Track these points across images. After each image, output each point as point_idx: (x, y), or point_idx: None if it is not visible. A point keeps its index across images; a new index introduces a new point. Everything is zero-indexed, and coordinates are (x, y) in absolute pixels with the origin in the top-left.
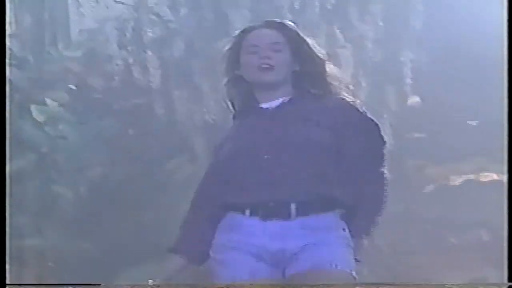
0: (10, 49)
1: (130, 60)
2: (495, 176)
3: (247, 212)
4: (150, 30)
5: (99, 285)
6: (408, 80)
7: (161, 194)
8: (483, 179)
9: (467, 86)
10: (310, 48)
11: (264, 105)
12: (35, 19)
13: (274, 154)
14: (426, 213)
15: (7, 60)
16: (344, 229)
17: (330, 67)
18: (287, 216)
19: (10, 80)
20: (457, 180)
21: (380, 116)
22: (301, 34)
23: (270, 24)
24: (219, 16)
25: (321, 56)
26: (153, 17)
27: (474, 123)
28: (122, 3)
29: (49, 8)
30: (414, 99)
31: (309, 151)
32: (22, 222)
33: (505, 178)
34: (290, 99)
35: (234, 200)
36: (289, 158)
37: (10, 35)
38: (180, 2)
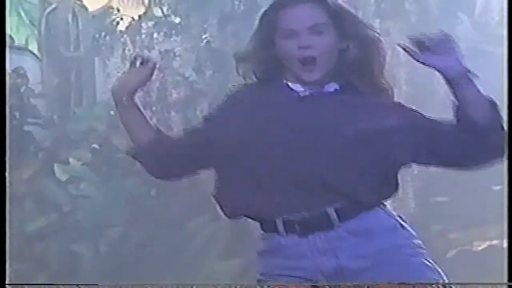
0: (36, 109)
1: (154, 120)
2: None
3: (281, 228)
4: (175, 91)
5: (96, 285)
6: None
7: (182, 255)
8: (506, 245)
9: None
10: (360, 25)
11: (298, 90)
12: (62, 79)
13: (307, 150)
14: (449, 278)
15: (31, 120)
16: (402, 226)
17: (384, 54)
18: (329, 225)
19: (34, 139)
20: (481, 246)
21: (404, 180)
22: (347, 7)
23: None
24: None
25: (374, 36)
26: (178, 78)
27: (497, 188)
28: None
29: (76, 68)
30: None
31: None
32: (41, 281)
33: None
34: (335, 90)
35: (262, 212)
36: (326, 154)
37: (37, 95)
38: (205, 63)
